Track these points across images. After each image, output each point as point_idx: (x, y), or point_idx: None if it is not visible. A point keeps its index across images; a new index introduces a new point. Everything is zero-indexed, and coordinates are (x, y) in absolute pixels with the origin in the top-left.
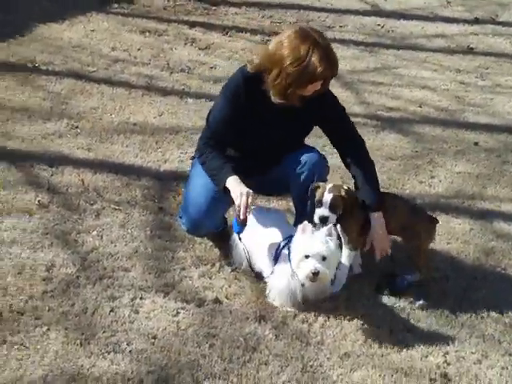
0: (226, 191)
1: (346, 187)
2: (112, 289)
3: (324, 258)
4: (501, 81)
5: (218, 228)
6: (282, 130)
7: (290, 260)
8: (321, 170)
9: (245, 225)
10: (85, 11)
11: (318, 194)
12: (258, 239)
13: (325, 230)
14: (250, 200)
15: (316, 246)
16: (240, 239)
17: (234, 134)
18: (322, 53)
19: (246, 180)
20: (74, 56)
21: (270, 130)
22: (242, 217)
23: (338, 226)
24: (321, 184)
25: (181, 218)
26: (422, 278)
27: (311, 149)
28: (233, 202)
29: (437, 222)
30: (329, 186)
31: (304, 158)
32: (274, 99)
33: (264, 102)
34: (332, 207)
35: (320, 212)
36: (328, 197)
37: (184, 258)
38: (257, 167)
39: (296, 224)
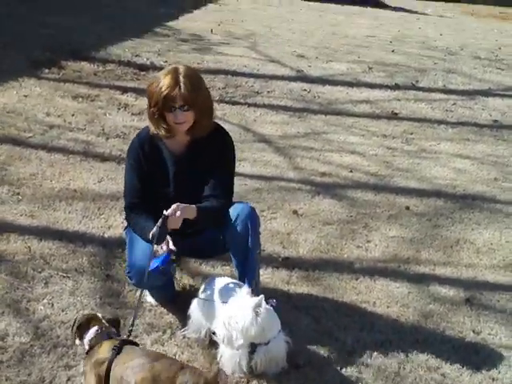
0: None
1: None
2: (67, 357)
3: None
4: (425, 146)
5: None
6: (192, 178)
7: None
8: (253, 220)
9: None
10: (16, 76)
11: None
12: (217, 309)
13: (252, 303)
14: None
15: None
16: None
17: (151, 192)
18: (175, 76)
19: (181, 241)
20: (9, 121)
21: (181, 179)
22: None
23: None
24: None
25: (128, 273)
26: None
27: (240, 202)
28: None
29: None
30: None
31: (234, 212)
32: (161, 135)
33: (164, 154)
34: None
35: None
36: None
37: (135, 325)
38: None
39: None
